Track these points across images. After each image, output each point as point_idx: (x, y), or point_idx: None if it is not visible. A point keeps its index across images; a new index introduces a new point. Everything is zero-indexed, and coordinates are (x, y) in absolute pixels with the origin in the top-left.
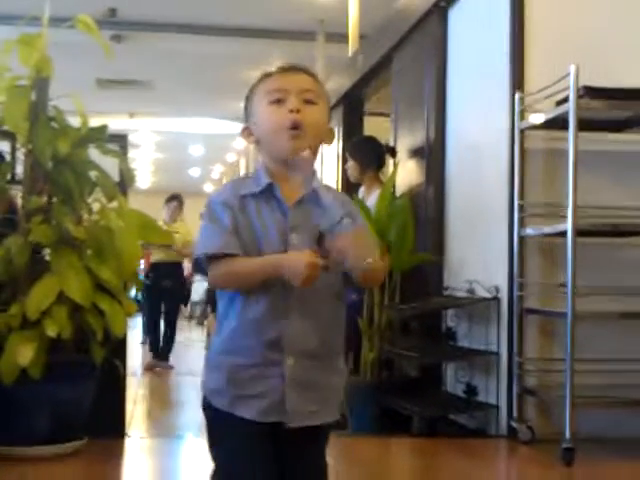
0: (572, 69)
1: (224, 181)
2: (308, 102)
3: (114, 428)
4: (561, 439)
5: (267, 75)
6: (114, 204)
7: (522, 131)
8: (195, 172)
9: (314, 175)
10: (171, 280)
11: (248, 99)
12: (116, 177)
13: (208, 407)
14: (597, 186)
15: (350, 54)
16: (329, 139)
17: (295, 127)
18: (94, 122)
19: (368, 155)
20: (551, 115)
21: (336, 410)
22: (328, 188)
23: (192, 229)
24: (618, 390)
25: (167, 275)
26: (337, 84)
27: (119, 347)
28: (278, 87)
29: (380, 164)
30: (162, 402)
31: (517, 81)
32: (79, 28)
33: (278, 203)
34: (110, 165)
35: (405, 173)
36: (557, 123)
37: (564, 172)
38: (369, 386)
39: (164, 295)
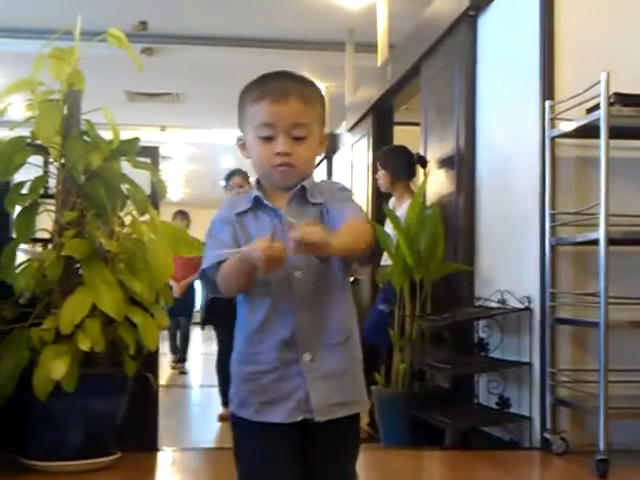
0: (603, 76)
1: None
2: (298, 139)
3: (146, 442)
4: (595, 450)
5: (259, 96)
6: (146, 217)
7: (553, 139)
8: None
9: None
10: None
11: (239, 110)
12: (148, 190)
13: (236, 420)
14: (629, 194)
15: (379, 64)
16: (323, 150)
17: (285, 166)
18: (125, 135)
19: (399, 165)
20: (582, 123)
21: (363, 397)
22: (318, 183)
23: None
24: None
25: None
26: (366, 94)
27: (151, 360)
28: (266, 122)
29: (411, 174)
30: (193, 415)
31: (547, 89)
32: (110, 42)
33: (270, 209)
34: (142, 178)
35: (435, 182)
36: (588, 131)
37: (595, 180)
38: (400, 398)
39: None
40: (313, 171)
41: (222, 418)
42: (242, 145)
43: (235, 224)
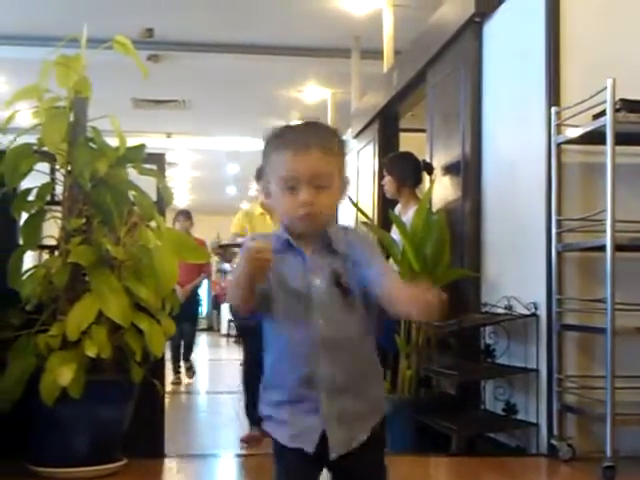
0: (609, 82)
1: (260, 199)
2: (320, 187)
3: (153, 448)
4: (602, 457)
5: (283, 146)
6: (152, 223)
7: (559, 145)
8: (231, 190)
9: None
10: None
11: (263, 156)
12: (154, 196)
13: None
14: (635, 200)
15: (385, 70)
16: (344, 196)
17: (309, 217)
18: (131, 142)
19: (405, 171)
20: (588, 129)
21: (381, 406)
22: (345, 231)
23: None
24: None
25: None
26: (372, 100)
27: (157, 367)
28: (289, 175)
29: (417, 180)
30: (200, 421)
31: (553, 95)
32: (116, 49)
33: (298, 253)
34: (148, 184)
35: (441, 188)
36: (594, 137)
37: (602, 186)
38: (407, 404)
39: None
40: (336, 217)
41: (246, 440)
42: (265, 194)
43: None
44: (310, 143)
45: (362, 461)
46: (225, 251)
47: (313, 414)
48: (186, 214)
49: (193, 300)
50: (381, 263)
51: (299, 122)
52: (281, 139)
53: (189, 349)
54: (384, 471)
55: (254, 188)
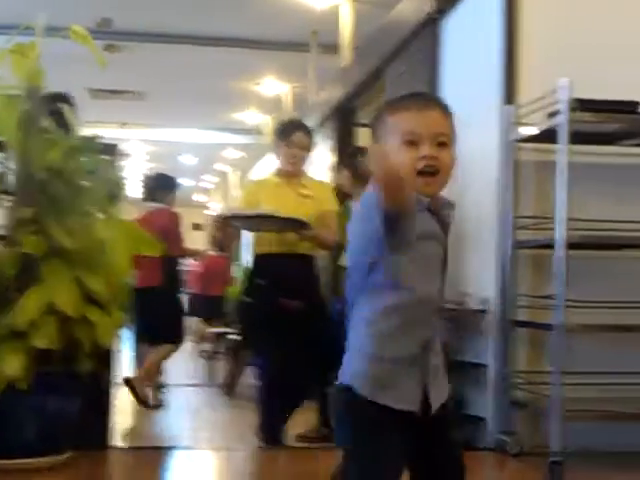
0: (564, 82)
1: (215, 192)
2: (441, 145)
3: (101, 440)
4: (550, 452)
5: (403, 108)
6: (105, 214)
7: (514, 143)
8: (186, 182)
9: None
10: None
11: (377, 122)
12: (107, 187)
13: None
14: (588, 198)
15: (343, 65)
16: (457, 161)
17: (429, 174)
18: (86, 131)
19: (361, 166)
20: (543, 127)
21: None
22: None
23: None
24: (608, 403)
25: None
26: (329, 95)
27: (106, 358)
28: (413, 129)
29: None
30: (149, 413)
31: (509, 93)
32: (73, 38)
33: (429, 212)
34: (101, 175)
35: None
36: (549, 136)
37: (555, 184)
38: None
39: None
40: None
41: None
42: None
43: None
44: (431, 103)
45: (446, 420)
46: (226, 225)
47: (419, 374)
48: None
49: None
50: None
51: (412, 92)
52: (402, 101)
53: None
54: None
55: (210, 181)
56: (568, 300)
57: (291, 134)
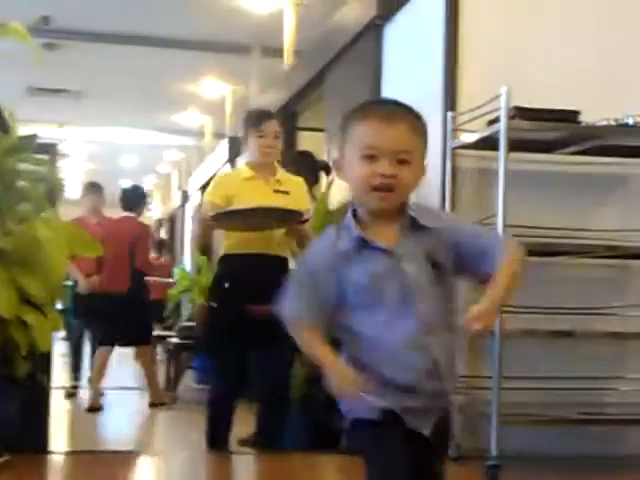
0: (504, 90)
1: (155, 193)
2: (402, 162)
3: (37, 444)
4: (487, 456)
5: (366, 118)
6: (43, 215)
7: (454, 150)
8: (126, 183)
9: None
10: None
11: (341, 131)
12: (45, 187)
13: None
14: (526, 206)
15: (285, 69)
16: (421, 182)
17: (386, 189)
18: (24, 131)
19: (301, 170)
20: (482, 135)
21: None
22: (427, 207)
23: None
24: (545, 408)
25: None
26: (271, 98)
27: (44, 361)
28: (372, 144)
29: (314, 180)
30: (88, 418)
31: (450, 100)
32: (10, 35)
33: (380, 250)
34: (40, 175)
35: (339, 189)
36: (488, 143)
37: (495, 191)
38: (299, 401)
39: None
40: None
41: None
42: (339, 167)
43: (337, 269)
44: (397, 115)
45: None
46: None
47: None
48: (94, 187)
49: None
50: (498, 243)
51: (385, 98)
52: (367, 110)
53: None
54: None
55: (150, 182)
56: (505, 305)
57: (263, 122)
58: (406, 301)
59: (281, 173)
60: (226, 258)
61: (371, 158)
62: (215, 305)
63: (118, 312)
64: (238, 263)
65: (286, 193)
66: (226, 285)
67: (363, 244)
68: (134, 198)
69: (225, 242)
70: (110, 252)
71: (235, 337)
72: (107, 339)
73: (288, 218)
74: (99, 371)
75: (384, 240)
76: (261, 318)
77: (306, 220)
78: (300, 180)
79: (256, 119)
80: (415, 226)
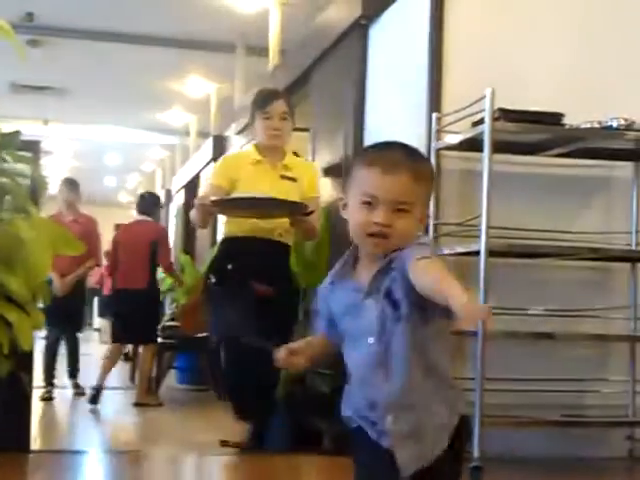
0: (488, 91)
1: (139, 191)
2: (399, 211)
3: (18, 443)
4: (469, 458)
5: (370, 164)
6: (26, 213)
7: (438, 151)
8: (110, 181)
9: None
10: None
11: (349, 170)
12: (29, 185)
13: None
14: (510, 207)
15: (270, 68)
16: (421, 229)
17: (380, 236)
18: (7, 128)
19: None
20: (467, 136)
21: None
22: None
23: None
24: (527, 410)
25: None
26: None
27: (26, 360)
28: (371, 192)
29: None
30: (68, 417)
31: (435, 101)
32: None
33: (351, 284)
34: (23, 173)
35: (323, 189)
36: (473, 144)
37: (479, 193)
38: (281, 402)
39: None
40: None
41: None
42: (344, 205)
43: (326, 298)
44: (401, 164)
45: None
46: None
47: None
48: (70, 184)
49: (77, 295)
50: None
51: (394, 142)
52: (372, 156)
53: (74, 360)
54: None
55: (134, 180)
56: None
57: (269, 103)
58: (362, 335)
59: (290, 157)
60: (229, 240)
61: (370, 205)
62: (215, 280)
63: (132, 310)
64: (240, 245)
65: (293, 180)
66: (229, 267)
67: (341, 279)
68: (150, 203)
69: (226, 226)
70: (128, 252)
71: (241, 312)
72: (120, 336)
73: (291, 210)
74: (107, 367)
75: (365, 277)
76: (263, 297)
77: (311, 212)
78: (311, 165)
79: (262, 100)
80: (390, 265)
